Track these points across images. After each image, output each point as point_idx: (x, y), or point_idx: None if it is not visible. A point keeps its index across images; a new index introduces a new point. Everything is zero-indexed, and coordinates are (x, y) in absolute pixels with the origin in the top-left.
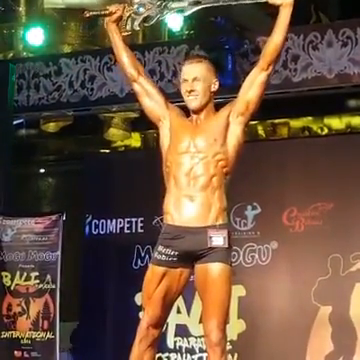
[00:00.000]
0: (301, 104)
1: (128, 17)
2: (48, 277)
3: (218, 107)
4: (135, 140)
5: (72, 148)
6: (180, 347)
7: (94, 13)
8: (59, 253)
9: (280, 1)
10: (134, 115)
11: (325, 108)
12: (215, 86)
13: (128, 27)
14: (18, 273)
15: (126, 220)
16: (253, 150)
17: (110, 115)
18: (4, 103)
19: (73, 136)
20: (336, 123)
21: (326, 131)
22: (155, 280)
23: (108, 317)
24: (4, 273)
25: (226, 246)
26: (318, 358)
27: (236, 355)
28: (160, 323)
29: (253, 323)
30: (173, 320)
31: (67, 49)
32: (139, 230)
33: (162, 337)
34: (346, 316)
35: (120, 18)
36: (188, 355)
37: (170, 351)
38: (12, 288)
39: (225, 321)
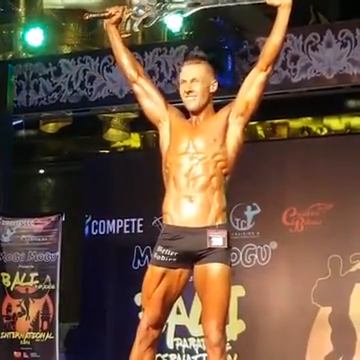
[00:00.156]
0: (300, 104)
1: (127, 19)
2: (47, 278)
3: (218, 108)
4: (134, 141)
5: (71, 149)
6: (180, 348)
7: (94, 15)
8: (59, 254)
9: (278, 2)
10: (133, 116)
11: (324, 108)
12: (214, 87)
13: (127, 29)
14: (17, 274)
15: (125, 220)
16: (253, 150)
17: (109, 116)
18: (3, 104)
19: (72, 137)
20: (335, 123)
21: (325, 131)
22: (155, 280)
23: (108, 317)
24: (3, 274)
25: (225, 246)
26: (318, 358)
27: (236, 355)
28: (160, 324)
29: (253, 323)
30: (173, 321)
31: (66, 50)
32: (139, 230)
33: (162, 338)
34: (346, 316)
35: (119, 20)
36: (188, 356)
37: (170, 352)
38: (12, 289)
39: (225, 322)
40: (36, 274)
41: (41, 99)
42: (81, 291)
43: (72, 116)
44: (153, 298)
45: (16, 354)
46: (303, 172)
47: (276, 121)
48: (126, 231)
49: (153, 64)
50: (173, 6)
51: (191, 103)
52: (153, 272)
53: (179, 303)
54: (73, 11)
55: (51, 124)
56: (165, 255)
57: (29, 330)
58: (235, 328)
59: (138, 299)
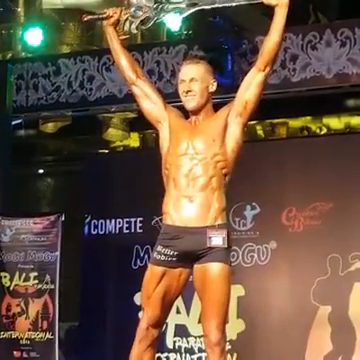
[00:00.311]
0: (300, 104)
1: (125, 20)
2: (47, 277)
3: (217, 108)
4: (134, 140)
5: (71, 148)
6: (179, 347)
7: (92, 17)
8: (58, 253)
9: (275, 1)
10: (133, 115)
11: (324, 108)
12: (213, 87)
13: (126, 30)
14: (17, 273)
15: (125, 220)
16: (252, 150)
17: (109, 115)
18: (3, 103)
19: (72, 136)
20: (335, 123)
21: (325, 131)
22: (154, 280)
23: (107, 317)
24: (3, 273)
25: (225, 246)
26: (317, 358)
27: (235, 355)
28: (159, 323)
29: (252, 323)
30: (172, 320)
31: (66, 49)
32: (138, 230)
33: (161, 337)
34: (345, 316)
35: (118, 21)
36: (187, 355)
37: (169, 351)
38: (11, 288)
39: (224, 321)
40: (36, 274)
41: (40, 99)
42: (81, 291)
43: (71, 116)
44: (153, 298)
45: (16, 354)
46: (302, 172)
47: (275, 121)
48: (126, 231)
49: (152, 63)
50: (171, 6)
51: (190, 102)
52: (153, 272)
53: (179, 302)
54: (72, 11)
55: (50, 124)
56: (165, 255)
57: (29, 330)
58: (235, 327)
59: (138, 299)
